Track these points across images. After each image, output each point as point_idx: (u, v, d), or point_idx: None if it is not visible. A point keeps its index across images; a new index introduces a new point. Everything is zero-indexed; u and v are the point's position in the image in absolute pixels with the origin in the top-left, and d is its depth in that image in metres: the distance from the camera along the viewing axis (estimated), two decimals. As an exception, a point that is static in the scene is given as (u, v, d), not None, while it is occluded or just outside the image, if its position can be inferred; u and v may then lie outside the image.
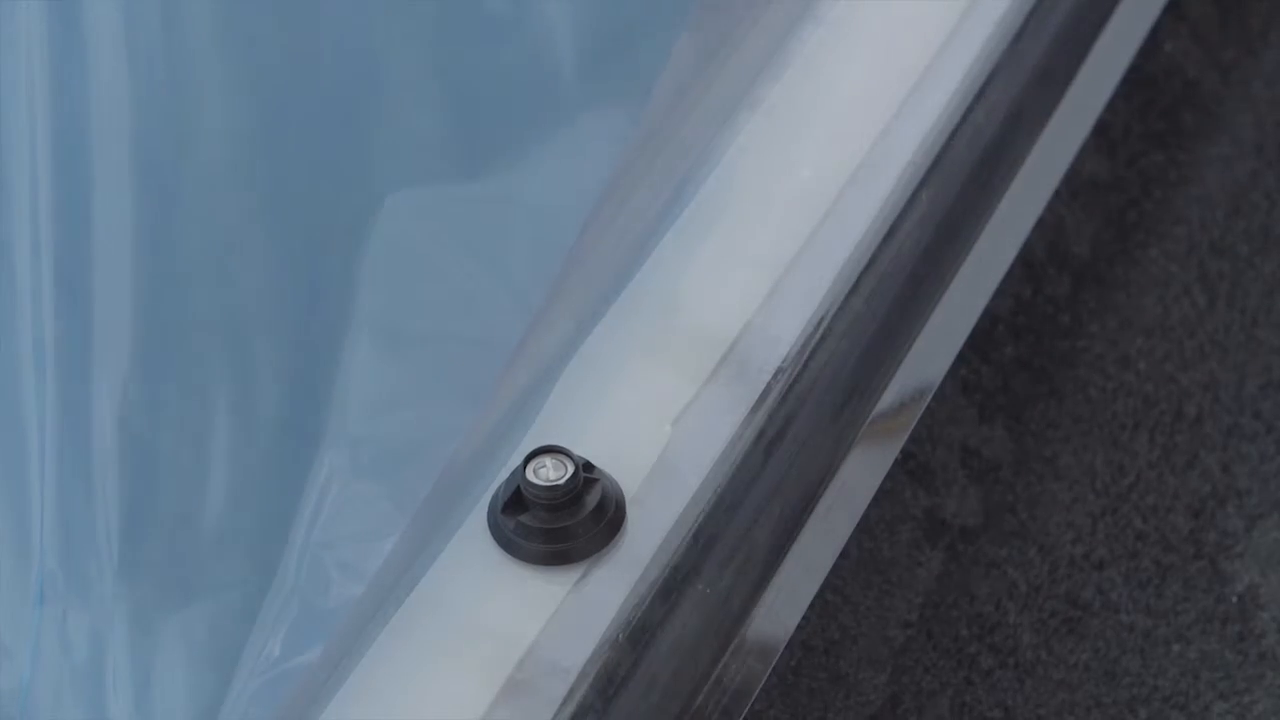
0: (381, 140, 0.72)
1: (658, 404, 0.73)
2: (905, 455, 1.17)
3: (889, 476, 0.82)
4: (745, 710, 0.74)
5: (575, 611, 0.68)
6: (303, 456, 0.68)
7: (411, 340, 0.71)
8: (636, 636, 0.69)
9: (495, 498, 0.69)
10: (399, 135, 0.73)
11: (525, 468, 0.68)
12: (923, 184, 0.83)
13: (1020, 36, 0.90)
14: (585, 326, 0.75)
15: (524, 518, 0.68)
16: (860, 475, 0.80)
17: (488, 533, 0.69)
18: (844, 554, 0.79)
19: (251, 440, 0.67)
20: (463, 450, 0.71)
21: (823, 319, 0.76)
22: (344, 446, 0.69)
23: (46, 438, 0.65)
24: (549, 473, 0.67)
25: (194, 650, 0.64)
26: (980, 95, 0.87)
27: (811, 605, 0.78)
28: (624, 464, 0.71)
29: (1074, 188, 1.23)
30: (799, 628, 0.77)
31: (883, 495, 0.99)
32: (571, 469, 0.67)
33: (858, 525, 0.80)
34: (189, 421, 0.67)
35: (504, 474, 0.69)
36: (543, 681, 0.66)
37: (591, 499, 0.68)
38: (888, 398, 0.80)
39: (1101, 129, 1.24)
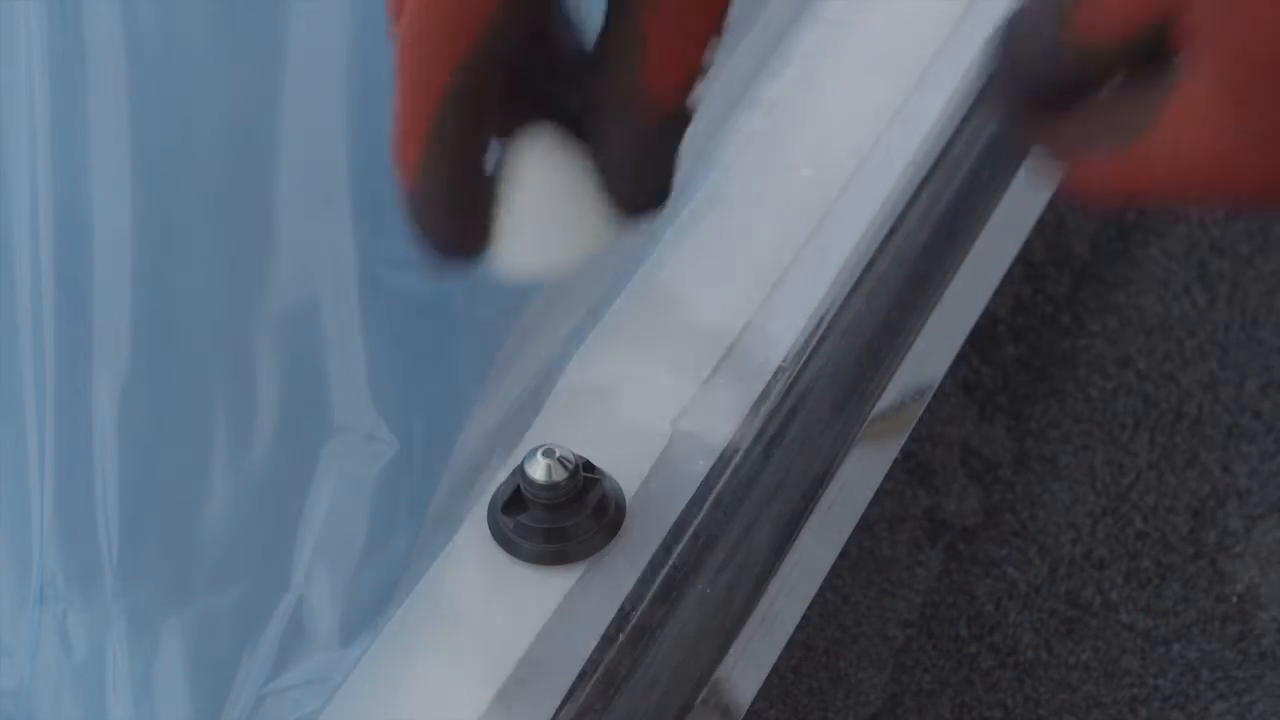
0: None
1: (658, 404, 0.73)
2: (905, 455, 1.17)
3: (889, 476, 0.82)
4: (745, 710, 0.74)
5: (575, 611, 0.68)
6: (306, 456, 0.68)
7: (411, 334, 0.71)
8: (636, 636, 0.69)
9: (495, 497, 0.69)
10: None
11: (525, 467, 0.68)
12: (923, 184, 0.83)
13: (1020, 36, 0.90)
14: (585, 325, 0.75)
15: (524, 517, 0.68)
16: (860, 475, 0.80)
17: (487, 532, 0.69)
18: (844, 554, 0.79)
19: (253, 440, 0.67)
20: (463, 450, 0.71)
21: (823, 318, 0.76)
22: (347, 445, 0.69)
23: (46, 438, 0.65)
24: (549, 472, 0.67)
25: (194, 650, 0.64)
26: (980, 95, 0.87)
27: (811, 605, 0.78)
28: (624, 464, 0.71)
29: (1074, 187, 1.23)
30: (799, 628, 0.77)
31: (883, 495, 0.99)
32: (571, 469, 0.67)
33: (857, 525, 0.80)
34: (190, 421, 0.67)
35: (504, 473, 0.70)
36: (543, 681, 0.66)
37: (591, 499, 0.68)
38: (888, 397, 0.80)
39: (1101, 128, 1.24)
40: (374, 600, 0.67)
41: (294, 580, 0.66)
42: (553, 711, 0.67)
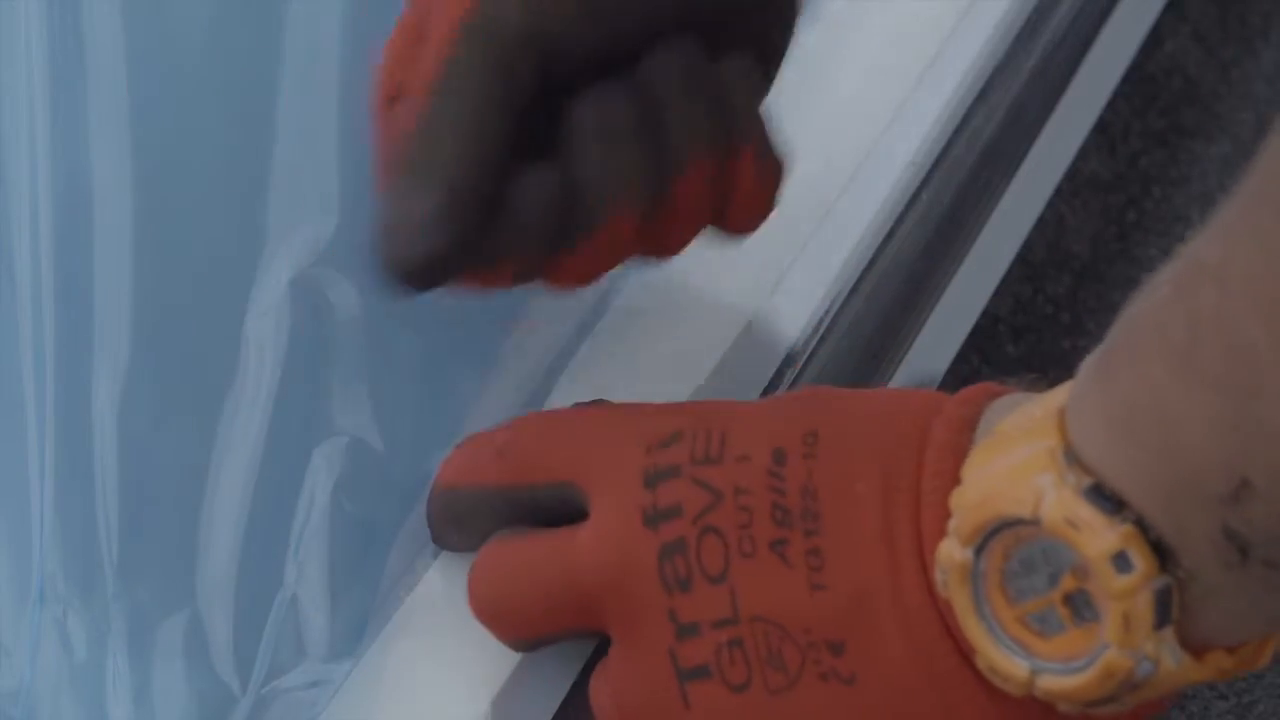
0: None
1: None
2: (905, 455, 1.16)
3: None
4: (745, 710, 0.74)
5: (575, 611, 0.68)
6: (301, 458, 0.68)
7: (406, 335, 0.71)
8: (637, 636, 0.69)
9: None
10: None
11: (525, 467, 0.67)
12: (923, 184, 0.83)
13: (1020, 36, 0.90)
14: (585, 326, 0.75)
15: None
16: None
17: (488, 532, 0.69)
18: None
19: (252, 441, 0.67)
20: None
21: (823, 319, 0.76)
22: (343, 446, 0.69)
23: (46, 438, 0.65)
24: (549, 472, 0.67)
25: (194, 651, 0.64)
26: (980, 95, 0.87)
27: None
28: (624, 464, 0.70)
29: (1074, 187, 1.23)
30: (799, 627, 0.76)
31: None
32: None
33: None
34: (189, 422, 0.67)
35: (504, 473, 0.69)
36: (544, 680, 0.66)
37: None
38: (888, 397, 0.80)
39: (1101, 128, 1.24)
40: (374, 602, 0.67)
41: (293, 582, 0.66)
42: (553, 711, 0.67)
